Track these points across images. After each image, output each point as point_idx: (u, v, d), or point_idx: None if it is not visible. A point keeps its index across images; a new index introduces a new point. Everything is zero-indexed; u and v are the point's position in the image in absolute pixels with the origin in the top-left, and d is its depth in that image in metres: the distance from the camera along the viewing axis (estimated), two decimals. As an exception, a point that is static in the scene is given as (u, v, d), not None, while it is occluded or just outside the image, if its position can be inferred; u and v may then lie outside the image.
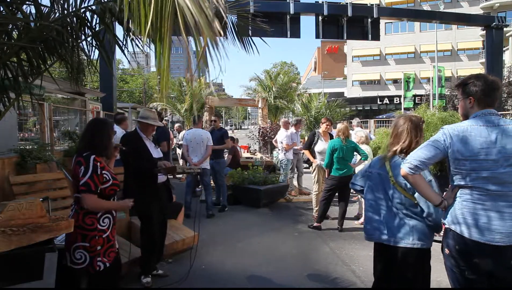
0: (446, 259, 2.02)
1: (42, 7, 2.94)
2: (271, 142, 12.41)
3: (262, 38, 3.72)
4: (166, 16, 1.87)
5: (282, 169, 7.55)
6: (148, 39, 2.16)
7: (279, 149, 7.93)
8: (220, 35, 1.99)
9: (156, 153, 3.63)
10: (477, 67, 32.10)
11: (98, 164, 2.34)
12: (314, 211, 5.89)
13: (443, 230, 2.09)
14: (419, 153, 1.98)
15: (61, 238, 3.14)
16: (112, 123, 2.71)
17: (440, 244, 2.12)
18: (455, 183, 1.96)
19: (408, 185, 2.19)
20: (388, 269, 2.38)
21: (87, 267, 2.33)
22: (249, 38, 3.43)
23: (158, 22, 1.88)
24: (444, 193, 2.09)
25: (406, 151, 2.26)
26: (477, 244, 1.83)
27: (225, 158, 7.57)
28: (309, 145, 6.14)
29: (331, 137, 6.01)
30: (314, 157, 6.02)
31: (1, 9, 2.83)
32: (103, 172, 2.37)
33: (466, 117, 2.01)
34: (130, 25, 2.94)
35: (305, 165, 10.96)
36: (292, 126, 7.82)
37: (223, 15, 2.09)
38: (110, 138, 2.49)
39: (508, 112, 16.28)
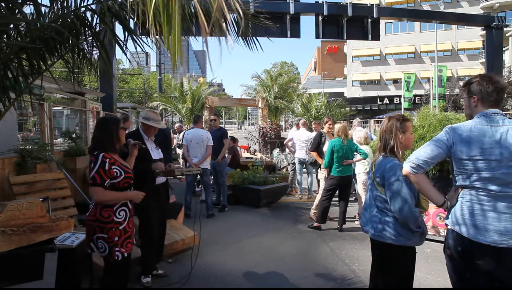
0: (447, 260, 2.01)
1: (42, 7, 2.93)
2: (271, 142, 12.41)
3: (265, 37, 3.69)
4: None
5: (309, 169, 7.41)
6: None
7: (295, 150, 7.89)
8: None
9: (157, 154, 3.62)
10: (477, 67, 32.12)
11: (107, 160, 2.49)
12: (313, 212, 5.88)
13: (445, 230, 2.08)
14: (422, 152, 1.96)
15: (61, 238, 3.15)
16: (119, 120, 2.75)
17: (442, 244, 2.10)
18: (457, 184, 1.94)
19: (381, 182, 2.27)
20: (374, 264, 2.48)
21: (107, 256, 2.50)
22: (251, 36, 3.42)
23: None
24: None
25: (390, 150, 2.31)
26: (479, 246, 1.81)
27: (226, 158, 7.55)
28: (317, 146, 6.10)
29: (334, 136, 6.00)
30: (322, 157, 5.98)
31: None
32: (113, 167, 2.51)
33: (470, 116, 1.99)
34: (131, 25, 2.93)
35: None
36: (295, 125, 7.80)
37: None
38: (112, 135, 2.59)
39: (508, 112, 16.28)
